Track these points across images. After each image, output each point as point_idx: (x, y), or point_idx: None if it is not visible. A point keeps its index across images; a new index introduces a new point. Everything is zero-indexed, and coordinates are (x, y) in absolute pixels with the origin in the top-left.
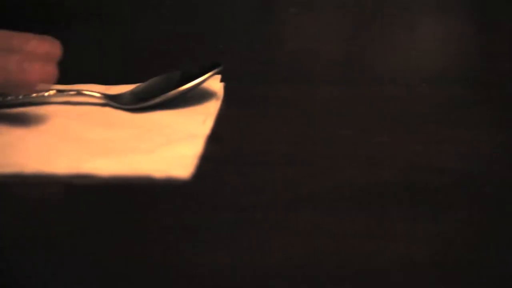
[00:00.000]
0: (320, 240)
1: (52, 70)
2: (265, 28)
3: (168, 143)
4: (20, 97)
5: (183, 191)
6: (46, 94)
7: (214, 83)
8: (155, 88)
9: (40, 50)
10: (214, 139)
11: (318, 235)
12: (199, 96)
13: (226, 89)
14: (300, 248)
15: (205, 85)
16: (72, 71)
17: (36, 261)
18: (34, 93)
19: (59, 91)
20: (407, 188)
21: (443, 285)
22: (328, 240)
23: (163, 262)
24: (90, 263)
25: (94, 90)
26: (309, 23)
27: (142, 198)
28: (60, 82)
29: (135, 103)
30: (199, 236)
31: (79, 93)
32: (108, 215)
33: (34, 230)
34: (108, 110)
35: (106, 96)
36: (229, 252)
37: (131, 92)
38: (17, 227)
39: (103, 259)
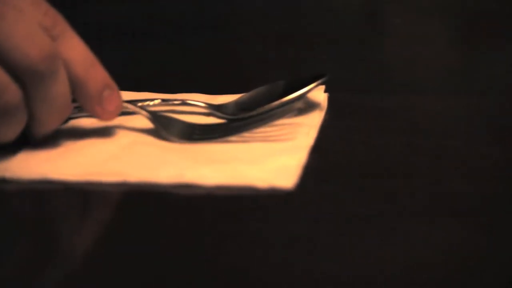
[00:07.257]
0: (424, 253)
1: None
2: (370, 38)
3: (271, 154)
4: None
5: (286, 201)
6: (151, 103)
7: (318, 93)
8: (259, 98)
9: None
10: (318, 150)
11: (421, 247)
12: (303, 107)
13: (330, 99)
14: (403, 261)
15: (309, 95)
16: (177, 80)
17: (141, 268)
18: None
19: (163, 100)
20: None
21: None
22: (432, 253)
23: (265, 271)
24: (194, 271)
25: (199, 100)
26: (414, 33)
27: (245, 207)
28: (164, 91)
29: (239, 113)
30: (302, 247)
31: (183, 102)
32: (211, 224)
33: (136, 239)
34: (212, 120)
35: (211, 106)
36: (332, 264)
37: (236, 102)
38: (121, 235)
39: (207, 268)
